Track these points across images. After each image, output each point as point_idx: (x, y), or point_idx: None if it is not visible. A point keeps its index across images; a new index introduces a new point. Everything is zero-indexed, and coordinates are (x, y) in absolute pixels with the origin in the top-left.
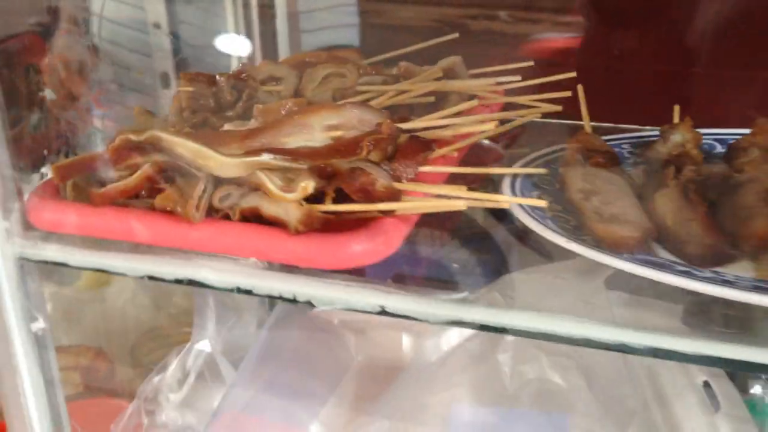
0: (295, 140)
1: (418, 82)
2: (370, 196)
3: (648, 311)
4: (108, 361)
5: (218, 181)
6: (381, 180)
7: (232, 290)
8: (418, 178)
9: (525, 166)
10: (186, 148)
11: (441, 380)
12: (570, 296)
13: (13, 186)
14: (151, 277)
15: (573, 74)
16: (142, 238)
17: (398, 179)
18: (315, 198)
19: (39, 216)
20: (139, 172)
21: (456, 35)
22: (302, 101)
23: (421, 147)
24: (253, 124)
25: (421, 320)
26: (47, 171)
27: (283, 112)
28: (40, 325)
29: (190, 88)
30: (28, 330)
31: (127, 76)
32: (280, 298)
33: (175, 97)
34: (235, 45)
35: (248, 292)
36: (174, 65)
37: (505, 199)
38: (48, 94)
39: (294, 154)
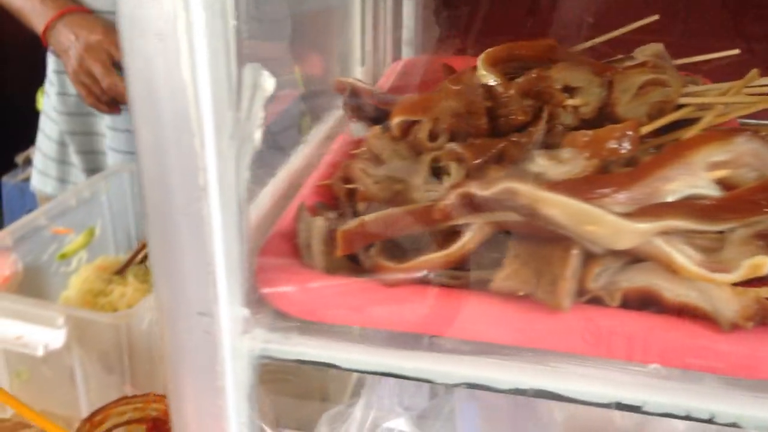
0: (678, 186)
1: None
2: None
3: None
4: None
5: (588, 254)
6: None
7: (607, 405)
8: None
9: None
10: (562, 207)
11: None
12: None
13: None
14: (472, 385)
15: None
16: (467, 332)
17: None
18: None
19: (298, 300)
20: (465, 239)
21: (656, 17)
22: (634, 124)
23: None
24: (569, 158)
25: None
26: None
27: (614, 144)
28: None
29: (453, 102)
30: None
31: None
32: (687, 417)
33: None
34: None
35: (633, 409)
36: None
37: None
38: None
39: (716, 211)
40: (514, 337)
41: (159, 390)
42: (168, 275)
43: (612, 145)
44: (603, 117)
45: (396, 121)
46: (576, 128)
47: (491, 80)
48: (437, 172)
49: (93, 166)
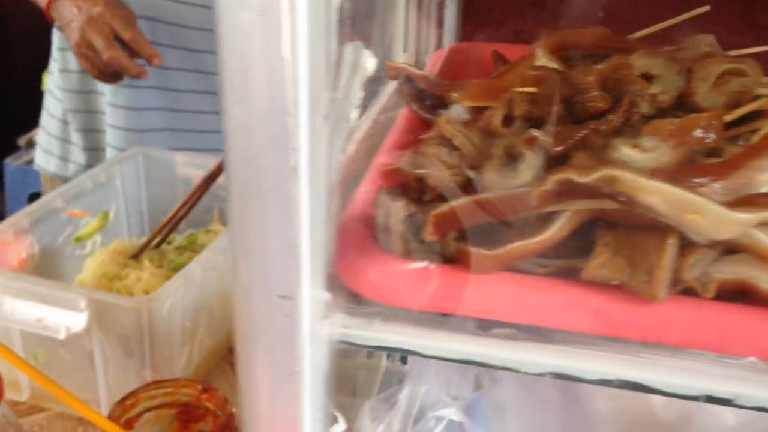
0: None
1: None
2: None
3: None
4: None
5: (683, 244)
6: None
7: (695, 398)
8: None
9: None
10: (663, 195)
11: None
12: None
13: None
14: (558, 375)
15: None
16: (555, 321)
17: None
18: None
19: (382, 285)
20: (557, 226)
21: (707, 8)
22: (719, 113)
23: None
24: (653, 146)
25: None
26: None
27: (700, 133)
28: (341, 427)
29: (532, 89)
30: None
31: None
32: None
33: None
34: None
35: (724, 402)
36: None
37: None
38: None
39: None
40: (604, 327)
41: (178, 374)
42: (250, 257)
43: (698, 134)
44: (680, 106)
45: (464, 106)
46: (652, 117)
47: (555, 66)
48: (509, 159)
49: (92, 144)
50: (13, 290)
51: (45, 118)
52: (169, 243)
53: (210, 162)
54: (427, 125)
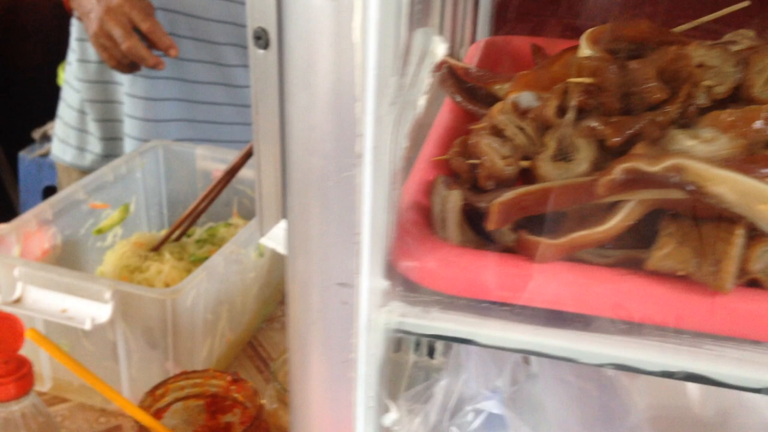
0: None
1: None
2: None
3: None
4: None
5: (750, 234)
6: None
7: (759, 390)
8: None
9: None
10: (733, 185)
11: None
12: None
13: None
14: (619, 366)
15: None
16: (619, 312)
17: None
18: None
19: (441, 274)
20: (622, 215)
21: (747, 2)
22: None
23: None
24: (712, 137)
25: None
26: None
27: (760, 125)
28: (392, 416)
29: (588, 80)
30: (377, 425)
31: None
32: None
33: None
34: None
35: None
36: None
37: None
38: None
39: None
40: (668, 318)
41: (199, 366)
42: (308, 244)
43: (758, 125)
44: (735, 98)
45: (514, 96)
46: (707, 109)
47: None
48: (563, 149)
49: (110, 134)
50: (39, 280)
51: (62, 109)
52: (189, 236)
53: (230, 156)
54: (470, 116)
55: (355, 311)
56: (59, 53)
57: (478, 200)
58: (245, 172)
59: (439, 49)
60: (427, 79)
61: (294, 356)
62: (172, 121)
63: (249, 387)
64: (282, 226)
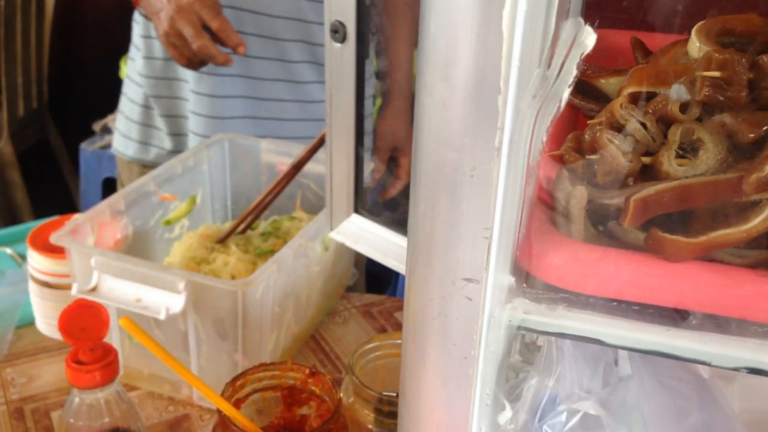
0: None
1: None
2: None
3: None
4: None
5: None
6: None
7: None
8: None
9: None
10: None
11: None
12: None
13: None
14: (754, 370)
15: None
16: (757, 314)
17: None
18: None
19: (570, 271)
20: (766, 213)
21: None
22: None
23: None
24: None
25: None
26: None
27: None
28: (507, 415)
29: (717, 74)
30: (492, 423)
31: None
32: None
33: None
34: None
35: None
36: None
37: None
38: None
39: None
40: None
41: (266, 358)
42: (434, 237)
43: None
44: None
45: (630, 91)
46: None
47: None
48: (687, 145)
49: (176, 130)
50: (114, 269)
51: (124, 103)
52: (254, 229)
53: (295, 150)
54: (575, 111)
55: (480, 307)
56: (120, 47)
57: (601, 196)
58: (309, 166)
59: (590, 39)
60: (573, 72)
61: (408, 350)
62: (236, 118)
63: (327, 380)
64: (352, 220)
